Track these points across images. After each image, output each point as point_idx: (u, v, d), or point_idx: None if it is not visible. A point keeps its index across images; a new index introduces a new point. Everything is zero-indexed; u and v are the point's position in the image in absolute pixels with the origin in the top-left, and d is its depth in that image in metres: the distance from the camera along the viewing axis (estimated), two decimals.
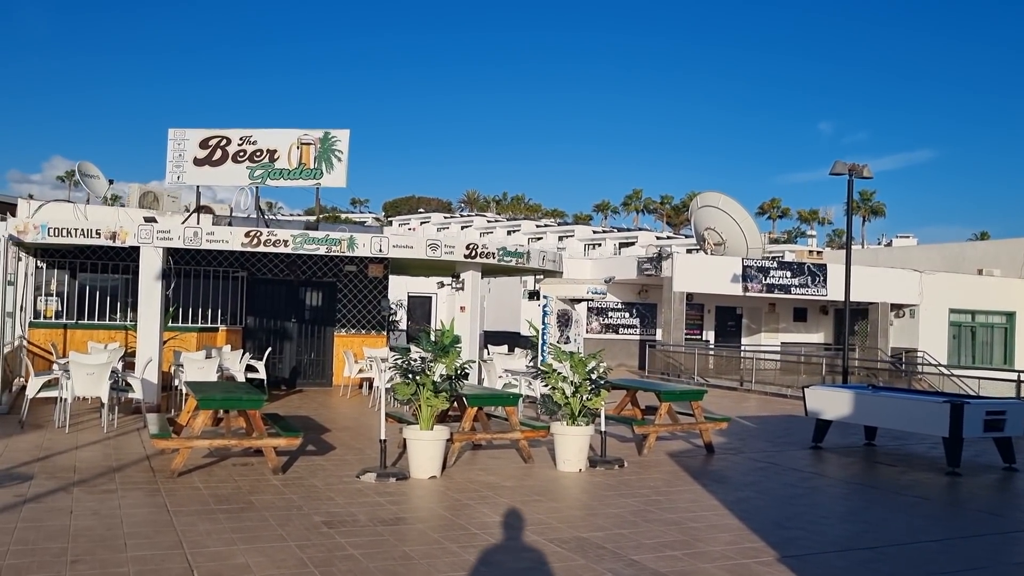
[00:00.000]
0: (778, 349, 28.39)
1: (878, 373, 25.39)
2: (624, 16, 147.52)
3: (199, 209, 15.02)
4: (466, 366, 9.38)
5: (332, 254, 13.27)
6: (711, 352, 26.06)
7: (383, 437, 9.05)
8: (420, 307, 32.37)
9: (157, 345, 13.14)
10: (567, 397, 9.74)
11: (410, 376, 9.20)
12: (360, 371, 16.14)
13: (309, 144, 14.65)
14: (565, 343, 17.10)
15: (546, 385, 9.82)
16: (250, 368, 15.72)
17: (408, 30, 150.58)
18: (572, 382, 9.76)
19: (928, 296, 29.50)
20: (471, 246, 14.27)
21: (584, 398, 9.70)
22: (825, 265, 27.79)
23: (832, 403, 11.50)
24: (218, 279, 17.31)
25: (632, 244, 68.55)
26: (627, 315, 29.25)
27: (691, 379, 22.82)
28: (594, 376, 9.84)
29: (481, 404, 9.90)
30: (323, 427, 12.36)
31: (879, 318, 29.06)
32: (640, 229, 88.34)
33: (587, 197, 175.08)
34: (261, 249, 13.10)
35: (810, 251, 33.61)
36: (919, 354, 28.78)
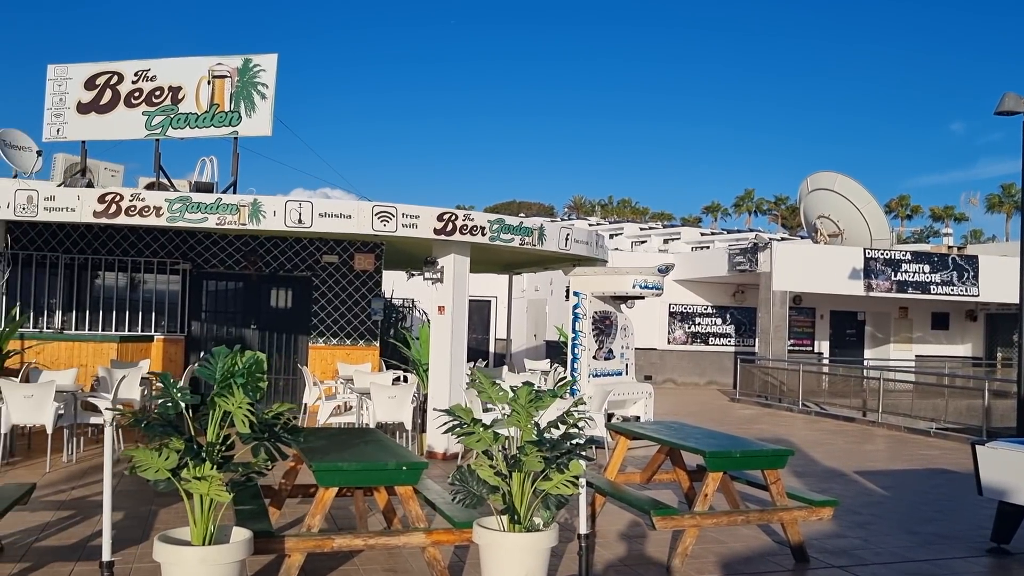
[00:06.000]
0: (912, 366, 22.49)
1: None
2: (741, 17, 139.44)
3: (84, 171, 10.90)
4: (285, 412, 4.82)
5: (224, 228, 8.91)
6: (824, 369, 20.50)
7: (108, 557, 4.57)
8: (477, 312, 27.79)
9: None
10: (502, 476, 5.01)
11: (168, 433, 4.69)
12: (319, 397, 11.76)
13: (223, 77, 10.31)
14: (605, 359, 12.25)
15: (460, 440, 5.12)
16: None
17: (511, 28, 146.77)
18: (518, 448, 5.03)
19: None
20: (445, 216, 9.67)
21: (536, 476, 4.96)
22: (976, 257, 21.76)
23: None
24: (151, 272, 13.29)
25: None
26: (719, 322, 23.94)
27: (794, 404, 17.48)
28: (557, 433, 5.08)
29: (343, 484, 5.27)
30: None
31: None
32: (752, 230, 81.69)
33: (697, 199, 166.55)
34: (122, 220, 8.86)
35: (949, 247, 27.33)
36: None
